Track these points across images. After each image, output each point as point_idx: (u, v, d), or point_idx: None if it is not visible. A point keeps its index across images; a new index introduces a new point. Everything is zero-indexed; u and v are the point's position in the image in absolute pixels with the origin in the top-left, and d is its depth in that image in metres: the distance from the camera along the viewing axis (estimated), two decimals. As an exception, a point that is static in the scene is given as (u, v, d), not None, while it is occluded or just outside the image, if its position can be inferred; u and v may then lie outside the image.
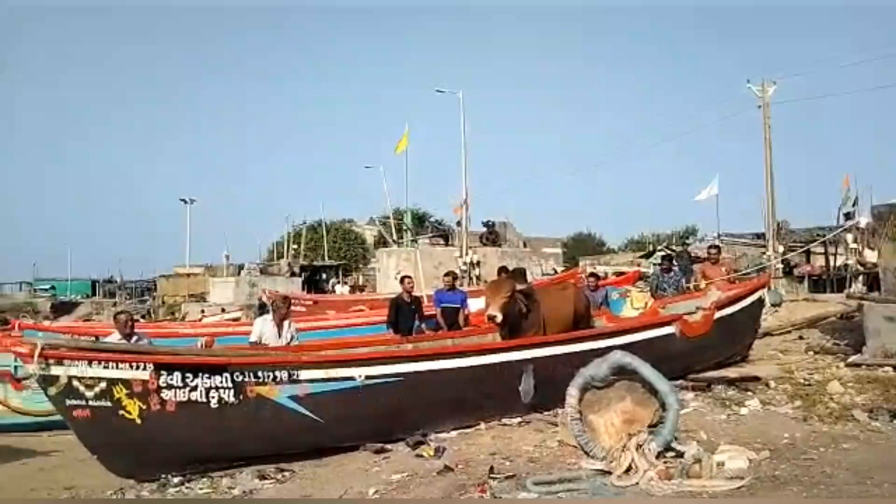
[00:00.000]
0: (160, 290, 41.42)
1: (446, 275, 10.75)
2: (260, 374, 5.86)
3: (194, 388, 5.71)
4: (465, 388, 6.46)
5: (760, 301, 9.67)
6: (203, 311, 23.17)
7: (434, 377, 6.35)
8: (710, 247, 13.72)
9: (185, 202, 47.51)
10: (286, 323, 8.04)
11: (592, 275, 11.79)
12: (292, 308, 9.06)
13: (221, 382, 5.76)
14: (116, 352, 5.99)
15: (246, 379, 5.80)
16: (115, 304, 39.81)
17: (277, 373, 5.90)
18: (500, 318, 7.16)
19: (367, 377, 6.09)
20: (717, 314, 8.51)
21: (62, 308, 38.83)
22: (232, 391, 5.77)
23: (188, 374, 5.72)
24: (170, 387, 5.68)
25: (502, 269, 10.90)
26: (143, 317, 26.54)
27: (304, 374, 5.97)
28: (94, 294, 51.17)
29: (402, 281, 10.33)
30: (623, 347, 6.07)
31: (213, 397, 5.74)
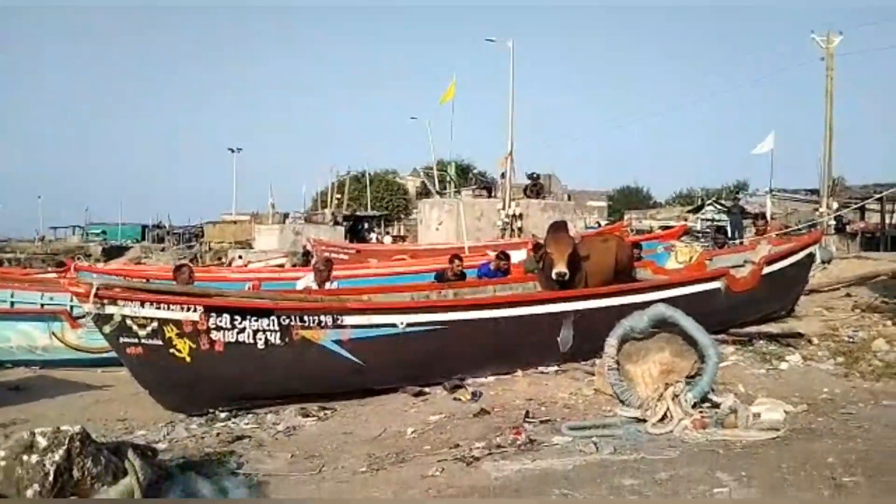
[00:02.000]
0: (207, 236, 42.39)
1: (499, 257, 10.62)
2: (306, 318, 6.01)
3: (242, 330, 5.89)
4: (504, 338, 6.53)
5: (811, 257, 9.45)
6: (240, 257, 23.46)
7: (474, 326, 6.42)
8: (756, 217, 13.38)
9: (233, 151, 48.22)
10: (327, 285, 8.33)
11: (502, 254, 10.96)
12: (336, 256, 9.25)
13: (268, 325, 5.92)
14: (167, 293, 6.21)
15: (292, 322, 5.96)
16: (163, 250, 40.98)
17: (322, 317, 6.05)
18: (567, 274, 7.07)
19: (409, 324, 6.20)
20: (766, 269, 8.31)
21: (113, 252, 40.10)
22: (278, 334, 5.93)
23: (237, 317, 5.89)
24: (219, 328, 5.87)
25: (553, 226, 10.72)
26: (190, 261, 27.23)
27: (348, 320, 6.11)
28: (143, 239, 52.61)
29: (451, 260, 10.21)
30: (666, 302, 5.98)
31: (259, 339, 5.91)
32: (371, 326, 6.16)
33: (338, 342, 6.06)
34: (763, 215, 13.19)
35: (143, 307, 5.86)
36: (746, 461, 3.89)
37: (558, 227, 7.98)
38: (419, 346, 6.25)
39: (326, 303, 6.82)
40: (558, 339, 6.65)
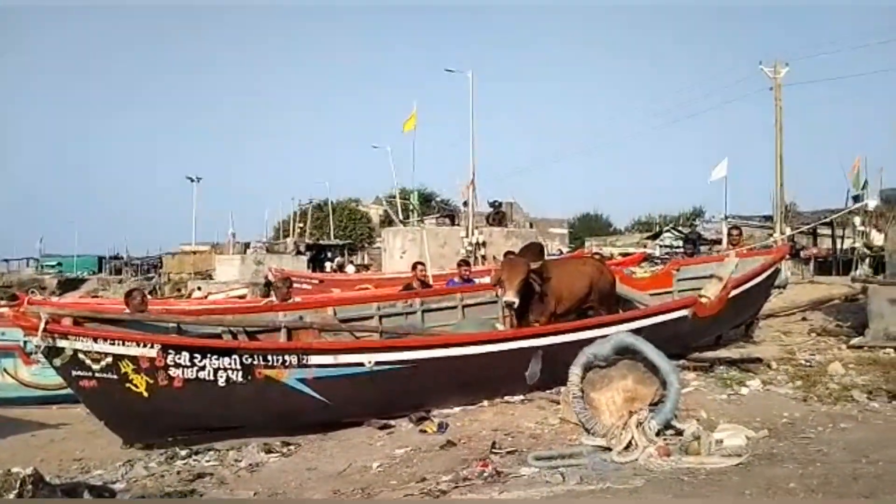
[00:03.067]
0: (166, 267, 41.62)
1: (460, 264, 10.73)
2: (269, 357, 5.91)
3: (202, 368, 5.78)
4: (472, 373, 6.49)
5: (776, 272, 9.62)
6: (199, 288, 23.08)
7: (443, 363, 6.36)
8: (731, 228, 13.68)
9: (192, 180, 47.60)
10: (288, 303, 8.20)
11: (464, 262, 11.03)
12: (299, 287, 9.17)
13: (230, 364, 5.82)
14: (122, 331, 6.06)
15: (255, 362, 5.86)
16: (120, 281, 40.10)
17: (287, 357, 5.95)
18: (516, 303, 7.09)
19: (377, 363, 6.13)
20: (733, 293, 8.33)
21: (69, 284, 39.13)
22: (240, 372, 5.84)
23: (196, 355, 5.78)
24: (177, 365, 5.75)
25: (508, 253, 10.84)
26: (150, 293, 26.69)
27: (314, 360, 6.01)
28: (100, 271, 51.50)
29: (414, 267, 10.33)
30: (635, 332, 6.02)
31: (220, 377, 5.81)
32: (337, 366, 6.06)
33: (302, 381, 5.97)
34: (736, 227, 13.47)
35: (96, 342, 5.72)
36: (711, 488, 3.93)
37: (524, 251, 7.98)
38: (387, 383, 6.18)
39: (292, 342, 6.76)
40: (526, 373, 6.64)
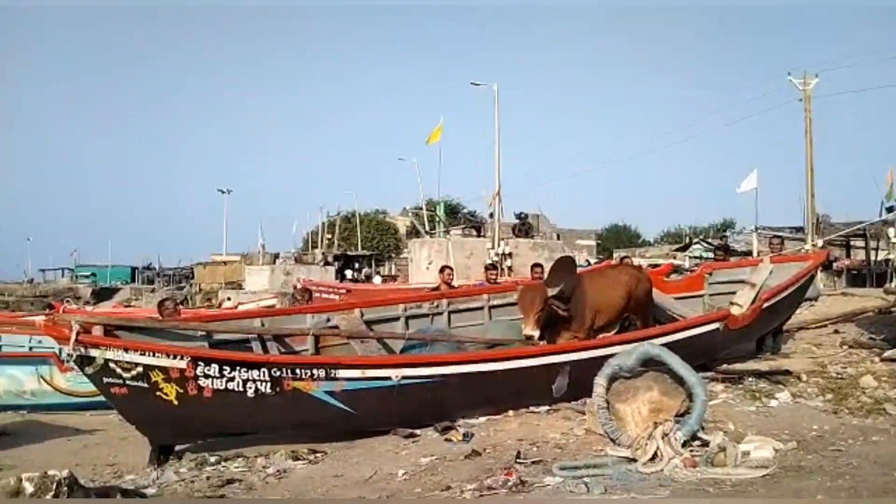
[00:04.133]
0: (197, 277, 42.30)
1: (487, 268, 10.84)
2: (298, 370, 5.99)
3: (231, 379, 5.88)
4: (499, 387, 6.49)
5: (810, 280, 9.43)
6: (230, 298, 23.45)
7: (470, 378, 6.37)
8: (772, 237, 13.45)
9: (223, 192, 48.50)
10: None
11: (491, 265, 11.44)
12: (327, 297, 9.29)
13: (259, 376, 5.90)
14: (150, 342, 6.18)
15: (284, 374, 5.94)
16: (153, 291, 40.80)
17: (315, 371, 6.02)
18: (536, 336, 6.89)
19: (404, 377, 6.16)
20: (766, 304, 8.21)
21: (103, 294, 39.89)
22: (269, 384, 5.91)
23: (226, 367, 5.87)
24: (207, 376, 5.85)
25: (536, 266, 10.88)
26: (181, 303, 27.12)
27: (342, 373, 6.07)
28: (133, 280, 52.46)
29: (441, 271, 10.47)
30: (667, 346, 5.92)
31: (249, 388, 5.89)
32: (365, 379, 6.11)
33: (330, 393, 6.03)
34: (778, 236, 13.28)
35: (126, 353, 5.84)
36: (736, 500, 3.90)
37: (555, 270, 7.69)
38: (413, 397, 6.22)
39: (321, 357, 6.84)
40: (553, 386, 6.64)
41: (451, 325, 8.34)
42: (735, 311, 7.88)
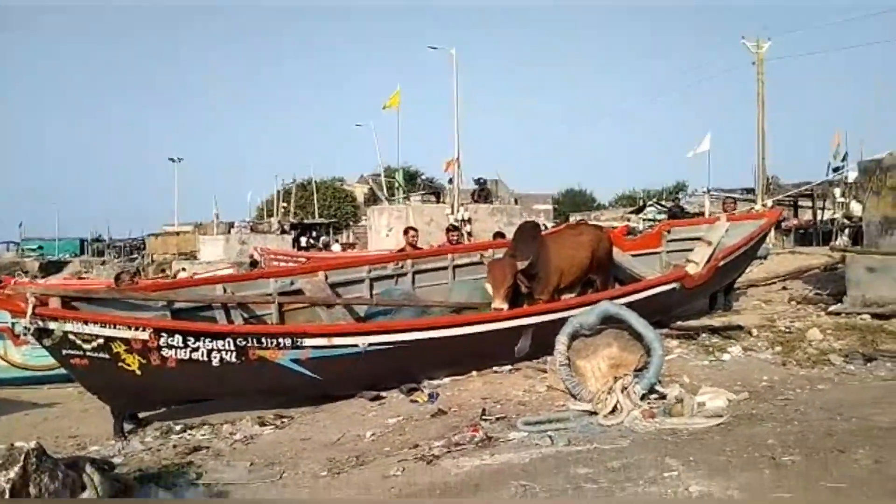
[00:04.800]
0: (149, 248, 41.45)
1: (449, 229, 10.86)
2: (263, 340, 5.93)
3: (196, 350, 5.80)
4: (464, 350, 6.56)
5: (763, 239, 9.74)
6: (184, 269, 23.05)
7: (436, 342, 6.40)
8: (726, 197, 13.85)
9: (174, 161, 47.29)
10: None
11: (453, 227, 11.46)
12: (285, 265, 9.21)
13: (224, 346, 5.83)
14: (113, 316, 6.03)
15: (249, 344, 5.89)
16: (103, 263, 39.81)
17: (281, 340, 5.97)
18: (505, 309, 6.92)
19: (370, 344, 6.17)
20: (721, 263, 8.46)
21: (51, 267, 38.75)
22: (234, 353, 5.85)
23: (190, 338, 5.80)
24: (171, 346, 5.77)
25: (497, 235, 10.95)
26: (134, 274, 26.57)
27: (308, 342, 6.03)
28: (82, 253, 50.98)
29: (405, 232, 10.40)
30: (627, 307, 6.05)
31: (214, 357, 5.82)
32: (332, 347, 6.10)
33: (296, 361, 6.00)
34: (732, 197, 13.79)
35: (86, 325, 5.73)
36: (693, 447, 4.08)
37: (518, 237, 7.73)
38: (379, 362, 6.24)
39: (287, 326, 6.80)
40: (515, 347, 6.77)
41: (415, 286, 8.36)
42: (691, 269, 8.13)
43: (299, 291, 7.57)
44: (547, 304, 7.25)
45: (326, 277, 7.82)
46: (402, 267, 8.41)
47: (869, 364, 6.14)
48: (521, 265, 7.14)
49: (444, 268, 8.63)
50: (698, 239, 9.14)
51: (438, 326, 6.57)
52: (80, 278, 23.70)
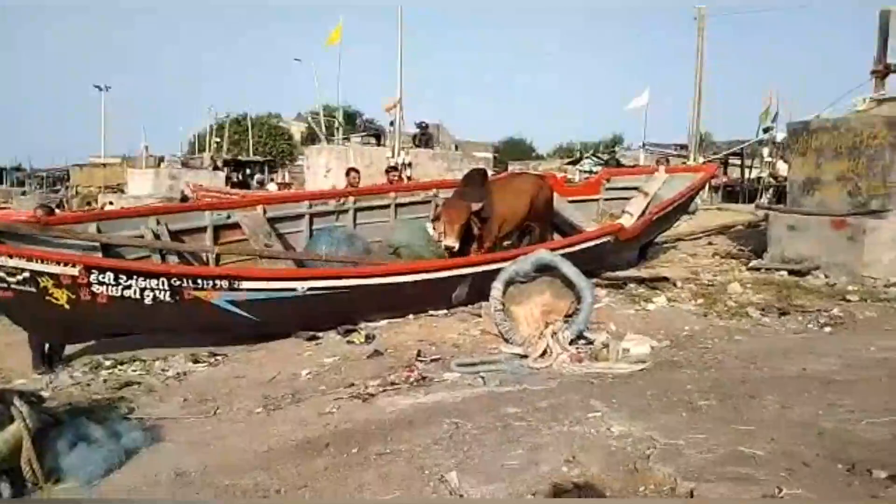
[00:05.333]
0: (74, 180, 39.64)
1: (388, 170, 10.81)
2: (199, 281, 5.82)
3: (128, 287, 5.66)
4: (403, 297, 6.63)
5: (697, 192, 10.12)
6: (111, 203, 22.28)
7: (376, 289, 6.43)
8: (659, 157, 14.24)
9: (100, 89, 44.95)
10: None
11: (392, 168, 11.62)
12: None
13: (157, 285, 5.70)
14: (40, 251, 5.82)
15: (184, 285, 5.77)
16: (24, 194, 38.05)
17: (218, 282, 5.87)
18: (456, 248, 7.11)
19: (310, 288, 6.13)
20: (655, 216, 8.72)
21: (-34, 196, 36.78)
22: (168, 293, 5.74)
23: (122, 275, 5.65)
24: (101, 283, 5.62)
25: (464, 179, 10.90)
26: (57, 206, 25.52)
27: (246, 284, 5.95)
28: (0, 183, 48.52)
29: (347, 173, 10.25)
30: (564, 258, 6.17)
31: (147, 296, 5.70)
32: (269, 290, 6.04)
33: (232, 302, 5.94)
34: (666, 157, 14.26)
35: (11, 259, 5.53)
36: (617, 390, 4.30)
37: (467, 181, 7.82)
38: (318, 305, 6.23)
39: (224, 268, 6.68)
40: (453, 295, 6.88)
41: (356, 224, 8.30)
42: (626, 221, 8.38)
43: (236, 225, 7.44)
44: (486, 256, 7.36)
45: (265, 212, 7.67)
46: (343, 204, 8.29)
47: (782, 318, 6.51)
48: (475, 207, 7.28)
49: (387, 206, 8.58)
50: (636, 189, 9.38)
51: (379, 275, 6.57)
52: (2, 209, 22.66)
